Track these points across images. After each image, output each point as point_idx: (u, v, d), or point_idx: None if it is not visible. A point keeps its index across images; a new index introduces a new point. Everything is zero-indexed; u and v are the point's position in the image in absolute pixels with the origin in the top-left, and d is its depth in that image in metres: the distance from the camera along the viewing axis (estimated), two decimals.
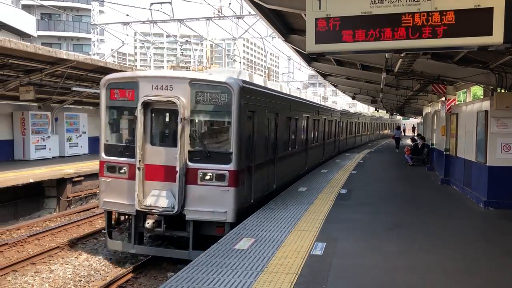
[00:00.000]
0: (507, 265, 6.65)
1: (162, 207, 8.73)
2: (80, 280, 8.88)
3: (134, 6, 25.87)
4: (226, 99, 8.70)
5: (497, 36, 4.62)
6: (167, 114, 9.47)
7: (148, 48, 32.63)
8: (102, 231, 10.96)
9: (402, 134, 42.70)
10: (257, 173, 10.20)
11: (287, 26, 11.94)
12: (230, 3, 25.19)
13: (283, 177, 12.83)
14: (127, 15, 26.24)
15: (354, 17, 5.06)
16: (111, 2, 32.19)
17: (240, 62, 44.51)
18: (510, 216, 9.93)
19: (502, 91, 10.67)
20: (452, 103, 15.15)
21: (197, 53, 36.45)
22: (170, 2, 24.33)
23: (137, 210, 8.88)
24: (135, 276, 8.96)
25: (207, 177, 8.72)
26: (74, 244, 11.19)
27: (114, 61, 49.98)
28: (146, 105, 8.96)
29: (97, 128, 12.32)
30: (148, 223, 8.76)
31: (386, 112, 44.89)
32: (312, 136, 17.49)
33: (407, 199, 12.16)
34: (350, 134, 30.57)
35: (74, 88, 17.77)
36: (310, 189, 12.93)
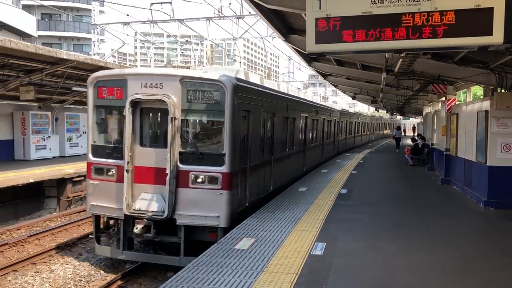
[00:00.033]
0: (508, 265, 6.65)
1: (152, 211, 8.36)
2: (81, 280, 8.88)
3: (134, 6, 25.89)
4: (219, 98, 8.32)
5: (497, 36, 4.62)
6: (158, 114, 9.05)
7: (149, 48, 32.64)
8: (90, 236, 10.81)
9: (403, 134, 42.74)
10: (253, 175, 9.82)
11: (287, 26, 11.94)
12: (230, 3, 25.19)
13: (280, 179, 12.48)
14: (128, 15, 26.24)
15: (354, 17, 5.06)
16: (111, 2, 32.24)
17: (240, 62, 44.51)
18: (510, 216, 9.93)
19: (502, 91, 10.67)
20: (452, 103, 15.14)
21: (198, 53, 36.45)
22: (170, 2, 24.34)
23: (125, 215, 8.49)
24: (134, 276, 8.97)
25: (199, 180, 8.32)
26: (74, 244, 11.20)
27: (114, 61, 49.98)
28: (135, 104, 8.57)
29: None
30: (136, 228, 8.34)
31: (387, 112, 44.89)
32: (310, 136, 17.17)
33: (407, 199, 12.17)
34: (350, 134, 30.30)
35: (74, 88, 17.78)
36: (310, 189, 12.93)
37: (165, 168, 8.27)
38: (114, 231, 9.24)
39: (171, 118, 8.24)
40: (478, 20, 4.66)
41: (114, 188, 8.70)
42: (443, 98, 15.69)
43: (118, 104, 8.72)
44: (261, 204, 10.44)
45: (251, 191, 9.72)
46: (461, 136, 13.57)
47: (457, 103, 15.72)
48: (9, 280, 8.95)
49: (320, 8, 5.15)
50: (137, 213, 8.42)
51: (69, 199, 16.14)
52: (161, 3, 25.14)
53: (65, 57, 14.38)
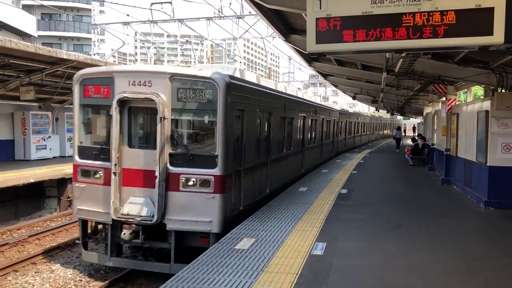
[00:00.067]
0: (508, 265, 6.65)
1: (141, 216, 7.96)
2: (81, 280, 8.88)
3: (134, 6, 25.87)
4: (211, 96, 7.89)
5: (497, 36, 4.62)
6: (147, 113, 8.59)
7: (149, 48, 32.64)
8: (76, 241, 10.59)
9: (403, 134, 42.86)
10: (247, 177, 9.40)
11: (287, 26, 11.94)
12: (230, 3, 25.18)
13: (277, 181, 12.06)
14: (128, 15, 26.22)
15: (355, 17, 5.06)
16: (111, 2, 32.20)
17: (240, 62, 44.52)
18: (510, 216, 9.93)
19: (503, 91, 10.67)
20: (453, 103, 15.15)
21: (198, 53, 36.46)
22: (170, 2, 24.34)
23: (113, 219, 8.10)
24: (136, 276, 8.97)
25: (190, 183, 7.92)
26: (74, 244, 11.19)
27: (114, 61, 49.99)
28: (122, 103, 8.16)
29: None
30: (124, 234, 7.91)
31: (387, 112, 44.91)
32: (308, 136, 16.80)
33: (407, 199, 12.17)
34: (349, 135, 30.09)
35: None
36: (310, 189, 12.93)
37: (155, 171, 7.89)
38: (101, 237, 8.87)
39: (161, 117, 7.88)
40: (478, 20, 4.66)
41: (101, 192, 8.31)
42: (444, 98, 15.69)
43: (105, 103, 8.31)
44: (257, 207, 10.07)
45: (246, 194, 9.34)
46: (461, 136, 13.57)
47: (457, 103, 15.73)
48: (10, 280, 8.95)
49: (320, 8, 5.15)
50: (125, 218, 8.03)
51: (69, 199, 16.12)
52: (161, 3, 25.14)
53: (65, 57, 14.39)
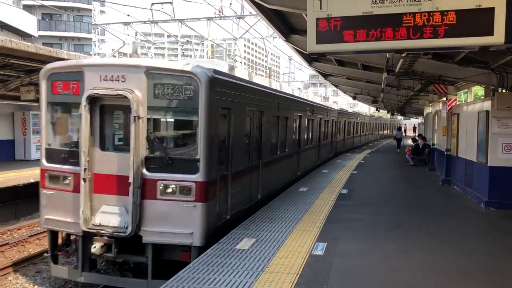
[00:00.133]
0: (509, 265, 6.65)
1: (113, 227, 7.13)
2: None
3: (135, 6, 25.86)
4: (192, 93, 7.04)
5: (498, 36, 4.62)
6: (121, 112, 7.83)
7: (149, 48, 32.64)
8: (45, 254, 9.74)
9: (403, 134, 42.99)
10: (235, 183, 8.59)
11: (288, 26, 11.95)
12: (231, 3, 25.18)
13: (270, 185, 11.28)
14: (128, 15, 26.23)
15: (355, 17, 5.06)
16: (112, 2, 32.26)
17: (241, 62, 44.50)
18: (511, 216, 9.92)
19: (503, 91, 10.67)
20: (453, 103, 15.14)
21: (198, 53, 36.48)
22: (171, 2, 24.33)
23: (83, 231, 7.27)
24: None
25: (169, 190, 7.10)
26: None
27: None
28: (93, 100, 7.33)
29: None
30: (94, 247, 7.07)
31: (387, 112, 44.91)
32: (305, 137, 16.09)
33: (408, 199, 12.16)
34: (348, 135, 29.71)
35: None
36: (311, 189, 12.92)
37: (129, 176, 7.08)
38: (72, 249, 8.01)
39: (134, 116, 7.03)
40: (479, 20, 4.66)
41: (71, 199, 7.48)
42: (444, 98, 15.69)
43: (75, 101, 7.45)
44: (248, 215, 9.31)
45: (234, 202, 8.53)
46: (462, 136, 13.57)
47: (458, 103, 15.72)
48: (10, 280, 8.96)
49: (321, 8, 5.15)
50: (96, 229, 7.19)
51: None
52: (162, 3, 25.13)
53: (65, 57, 14.37)
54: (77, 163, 7.41)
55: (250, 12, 23.23)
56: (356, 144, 33.65)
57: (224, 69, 8.95)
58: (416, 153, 21.88)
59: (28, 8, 42.95)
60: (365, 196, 12.23)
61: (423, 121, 31.62)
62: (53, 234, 8.04)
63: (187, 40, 34.31)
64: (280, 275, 5.95)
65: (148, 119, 7.23)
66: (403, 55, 8.93)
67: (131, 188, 7.03)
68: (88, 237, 7.35)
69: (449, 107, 15.02)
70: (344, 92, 34.65)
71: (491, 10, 4.61)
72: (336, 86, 29.80)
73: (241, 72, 10.63)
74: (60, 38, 48.92)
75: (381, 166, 20.69)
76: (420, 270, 6.32)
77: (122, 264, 7.79)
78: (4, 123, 19.09)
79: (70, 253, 8.11)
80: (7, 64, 13.71)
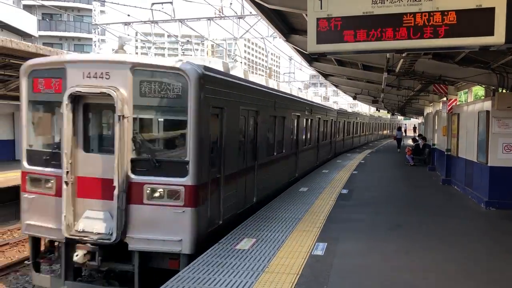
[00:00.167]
0: (509, 265, 6.65)
1: (98, 234, 6.75)
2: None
3: (135, 6, 25.86)
4: (180, 91, 6.65)
5: (498, 36, 4.62)
6: (106, 111, 7.44)
7: (149, 48, 32.65)
8: (26, 262, 9.40)
9: (404, 134, 43.07)
10: (228, 186, 8.21)
11: (288, 26, 11.96)
12: (231, 3, 25.19)
13: (266, 187, 10.91)
14: (128, 15, 26.26)
15: (356, 17, 5.06)
16: (112, 2, 32.26)
17: (241, 62, 44.55)
18: (511, 216, 9.92)
19: (504, 91, 10.67)
20: (454, 103, 15.14)
21: (198, 53, 36.48)
22: (171, 2, 24.34)
23: (66, 237, 6.88)
24: None
25: (156, 194, 6.72)
26: None
27: None
28: (76, 98, 6.95)
29: None
30: (77, 255, 6.68)
31: (387, 112, 44.92)
32: (303, 137, 15.76)
33: (408, 199, 12.16)
34: (348, 135, 29.46)
35: None
36: (311, 189, 12.92)
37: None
38: (55, 257, 7.60)
39: (119, 116, 6.64)
40: (479, 20, 4.66)
41: (53, 204, 7.07)
42: (444, 98, 15.70)
43: (57, 99, 7.04)
44: (242, 219, 8.96)
45: (227, 206, 8.17)
46: (462, 136, 13.57)
47: (458, 103, 15.72)
48: (10, 280, 8.96)
49: (321, 8, 5.15)
50: (79, 236, 6.82)
51: None
52: (162, 3, 25.15)
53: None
54: (59, 166, 7.02)
55: (250, 12, 23.25)
56: (356, 144, 33.61)
57: (218, 66, 8.56)
58: (416, 153, 21.88)
59: (28, 8, 42.97)
60: (366, 196, 12.23)
61: (423, 121, 31.63)
62: (35, 241, 7.64)
63: (188, 40, 34.35)
64: (280, 275, 5.95)
65: (134, 119, 6.86)
66: (404, 55, 8.93)
67: (115, 192, 6.64)
68: (71, 244, 6.98)
69: (450, 107, 15.02)
70: (345, 92, 34.67)
71: (491, 10, 4.61)
72: (336, 86, 29.81)
73: (236, 70, 10.27)
74: (61, 38, 48.96)
75: (381, 166, 20.69)
76: (420, 270, 6.32)
77: (108, 272, 7.46)
78: (4, 123, 19.11)
79: (53, 261, 7.72)
80: (8, 64, 13.70)
